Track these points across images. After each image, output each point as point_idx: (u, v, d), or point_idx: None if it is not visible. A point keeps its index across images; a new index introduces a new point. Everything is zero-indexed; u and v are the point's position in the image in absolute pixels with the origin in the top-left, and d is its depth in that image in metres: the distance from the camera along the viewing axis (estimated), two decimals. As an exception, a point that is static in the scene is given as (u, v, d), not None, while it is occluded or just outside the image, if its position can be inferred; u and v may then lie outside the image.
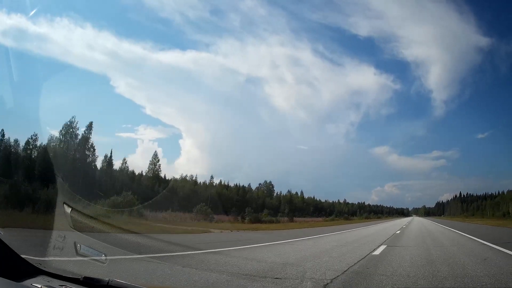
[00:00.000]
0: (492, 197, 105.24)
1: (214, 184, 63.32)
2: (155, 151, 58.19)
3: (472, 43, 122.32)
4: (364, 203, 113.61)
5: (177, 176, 61.23)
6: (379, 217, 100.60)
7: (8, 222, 11.01)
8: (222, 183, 66.12)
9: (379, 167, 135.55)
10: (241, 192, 66.46)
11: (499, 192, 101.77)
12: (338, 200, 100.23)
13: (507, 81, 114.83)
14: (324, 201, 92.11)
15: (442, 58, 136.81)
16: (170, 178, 56.38)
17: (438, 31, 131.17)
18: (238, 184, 69.29)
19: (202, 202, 38.02)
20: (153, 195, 37.38)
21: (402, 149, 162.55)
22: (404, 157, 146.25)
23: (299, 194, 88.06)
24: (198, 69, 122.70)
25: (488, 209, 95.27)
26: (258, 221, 36.23)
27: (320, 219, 61.31)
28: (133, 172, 51.37)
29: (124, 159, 50.93)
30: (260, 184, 75.20)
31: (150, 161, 54.34)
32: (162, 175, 55.58)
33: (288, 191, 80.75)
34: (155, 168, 53.79)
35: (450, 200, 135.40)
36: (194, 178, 59.60)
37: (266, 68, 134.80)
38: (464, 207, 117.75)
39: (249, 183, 71.45)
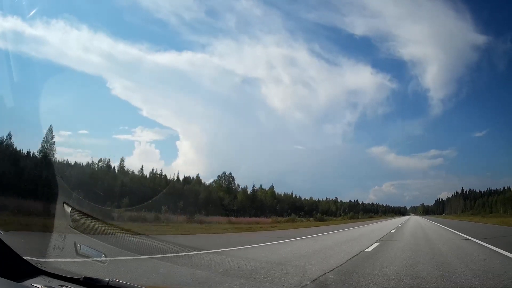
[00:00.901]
0: (498, 193, 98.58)
1: (129, 171, 51.45)
2: (50, 125, 40.87)
3: (469, 41, 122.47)
4: (357, 201, 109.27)
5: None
6: (371, 217, 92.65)
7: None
8: (154, 171, 56.17)
9: (377, 167, 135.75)
10: (178, 185, 54.77)
11: (504, 188, 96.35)
12: (327, 198, 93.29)
13: (504, 79, 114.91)
14: (308, 198, 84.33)
15: (439, 56, 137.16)
16: (60, 159, 44.12)
17: (435, 29, 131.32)
18: (178, 175, 59.25)
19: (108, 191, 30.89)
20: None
21: (400, 148, 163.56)
22: (401, 157, 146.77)
23: (289, 192, 79.41)
24: (194, 70, 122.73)
25: (499, 205, 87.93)
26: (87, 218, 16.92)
27: (269, 219, 44.74)
28: (15, 150, 38.66)
29: (9, 134, 37.28)
30: (218, 176, 64.98)
31: (43, 138, 39.23)
32: (59, 158, 42.62)
33: (260, 185, 71.16)
34: (48, 147, 38.64)
35: (451, 197, 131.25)
36: (105, 163, 49.24)
37: (262, 68, 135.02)
38: (468, 205, 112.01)
39: (198, 174, 63.15)
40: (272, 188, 73.34)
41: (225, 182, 64.44)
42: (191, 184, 58.47)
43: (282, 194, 77.45)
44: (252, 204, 64.45)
